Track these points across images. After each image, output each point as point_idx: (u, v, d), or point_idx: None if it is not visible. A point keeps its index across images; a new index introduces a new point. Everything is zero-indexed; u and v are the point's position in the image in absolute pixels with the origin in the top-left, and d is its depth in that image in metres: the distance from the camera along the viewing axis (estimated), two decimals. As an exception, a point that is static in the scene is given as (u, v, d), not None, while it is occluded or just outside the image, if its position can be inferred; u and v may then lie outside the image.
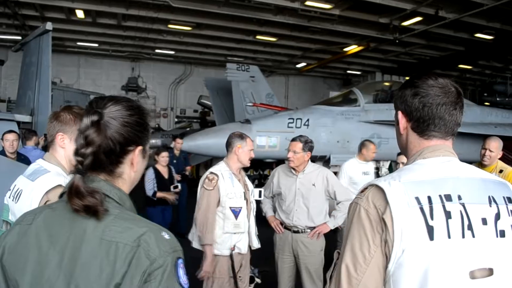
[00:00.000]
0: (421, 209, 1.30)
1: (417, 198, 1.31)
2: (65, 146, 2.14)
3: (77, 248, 1.13)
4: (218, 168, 4.04)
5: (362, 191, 1.42)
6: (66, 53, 20.91)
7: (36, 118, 7.73)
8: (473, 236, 1.31)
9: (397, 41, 15.58)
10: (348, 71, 23.79)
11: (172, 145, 7.88)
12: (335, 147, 9.33)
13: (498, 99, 20.86)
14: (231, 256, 3.90)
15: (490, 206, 1.36)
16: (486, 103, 19.13)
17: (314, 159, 9.55)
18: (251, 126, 8.99)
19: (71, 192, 1.17)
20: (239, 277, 4.00)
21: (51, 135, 2.16)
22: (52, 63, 19.85)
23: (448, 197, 1.33)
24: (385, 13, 13.75)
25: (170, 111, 24.24)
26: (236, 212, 3.90)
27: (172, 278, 1.12)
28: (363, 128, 9.41)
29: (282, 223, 4.44)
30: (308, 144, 4.32)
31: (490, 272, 1.31)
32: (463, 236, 1.30)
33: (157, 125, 22.28)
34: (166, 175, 7.16)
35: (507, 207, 1.39)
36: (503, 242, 1.35)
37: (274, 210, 4.60)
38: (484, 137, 5.15)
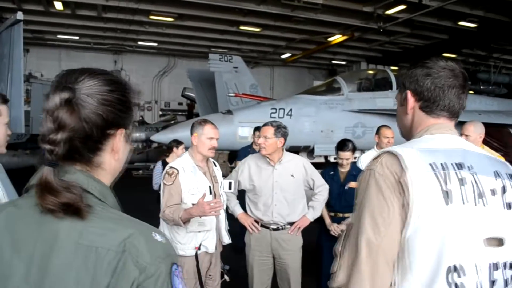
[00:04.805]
0: (436, 175, 1.31)
1: (432, 164, 1.32)
2: None
3: (47, 255, 0.91)
4: (181, 161, 3.69)
5: (375, 159, 1.42)
6: (46, 46, 20.58)
7: (9, 111, 7.43)
8: (484, 204, 1.33)
9: (381, 30, 15.49)
10: (333, 61, 23.68)
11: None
12: (319, 137, 9.23)
13: (482, 87, 20.98)
14: (196, 256, 3.57)
15: (496, 179, 1.39)
16: (470, 92, 19.19)
17: (298, 150, 9.46)
18: (233, 117, 8.85)
19: (42, 189, 0.94)
20: (209, 275, 3.72)
21: None
22: (32, 56, 19.83)
23: (460, 166, 1.35)
24: (369, 2, 13.66)
25: (154, 104, 24.00)
26: None
27: None
28: (347, 117, 9.33)
29: (257, 221, 4.01)
30: (281, 129, 3.88)
31: (500, 242, 1.32)
32: (476, 203, 1.31)
33: (141, 118, 22.06)
34: None
35: (510, 183, 1.41)
36: (510, 214, 1.36)
37: (243, 207, 4.17)
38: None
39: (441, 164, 1.32)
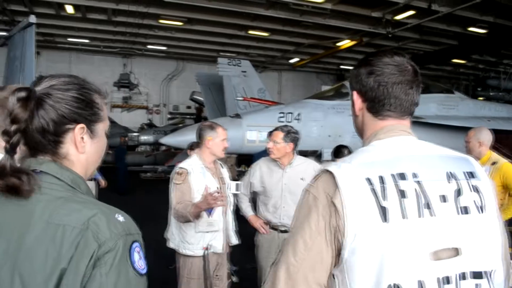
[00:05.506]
0: (373, 190, 1.21)
1: (368, 179, 1.22)
2: None
3: (23, 233, 1.04)
4: (190, 162, 3.76)
5: (314, 178, 1.33)
6: (57, 49, 20.83)
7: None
8: (432, 215, 1.22)
9: (390, 35, 15.48)
10: (342, 66, 23.69)
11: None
12: (327, 142, 9.23)
13: (491, 93, 20.89)
14: (204, 256, 3.62)
15: (449, 182, 1.27)
16: (480, 98, 19.10)
17: (305, 154, 9.47)
18: (241, 121, 8.89)
19: None
20: (217, 275, 3.76)
21: None
22: (43, 59, 19.99)
23: (402, 176, 1.24)
24: (378, 7, 13.66)
25: (163, 107, 24.13)
26: (209, 210, 3.52)
27: (124, 262, 1.03)
28: (355, 122, 9.30)
29: (266, 223, 4.10)
30: (290, 135, 3.97)
31: (456, 252, 1.22)
32: (420, 216, 1.21)
33: (149, 121, 22.18)
34: None
35: (468, 182, 1.29)
36: (467, 220, 1.25)
37: (254, 209, 4.26)
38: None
39: (380, 177, 1.22)
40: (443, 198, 1.25)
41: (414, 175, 1.25)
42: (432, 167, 1.29)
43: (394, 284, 1.16)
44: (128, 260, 1.04)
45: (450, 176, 1.29)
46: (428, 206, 1.22)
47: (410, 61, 1.41)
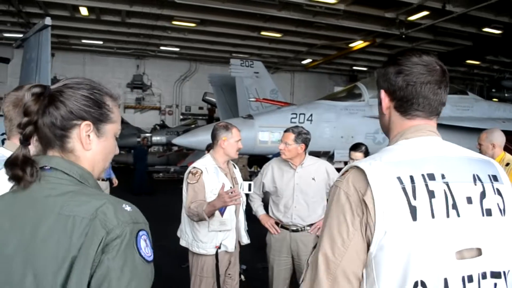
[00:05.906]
0: (404, 189, 1.24)
1: (399, 178, 1.25)
2: None
3: (36, 225, 1.10)
4: (203, 162, 3.79)
5: (343, 174, 1.35)
6: (71, 51, 21.03)
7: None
8: (458, 215, 1.25)
9: (403, 36, 15.38)
10: (354, 67, 23.61)
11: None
12: (339, 143, 9.20)
13: (506, 95, 20.64)
14: (216, 255, 3.65)
15: (475, 184, 1.30)
16: (495, 99, 18.87)
17: (318, 155, 9.44)
18: (254, 122, 8.89)
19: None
20: (229, 274, 3.80)
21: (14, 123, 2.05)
22: (57, 60, 20.24)
23: (431, 176, 1.27)
24: (391, 8, 13.57)
25: (175, 108, 24.25)
26: (221, 209, 3.55)
27: (131, 248, 1.08)
28: (368, 123, 9.26)
29: (277, 223, 4.12)
30: (301, 136, 3.98)
31: (479, 252, 1.26)
32: (448, 216, 1.24)
33: (162, 122, 22.32)
34: None
35: (492, 185, 1.33)
36: (489, 222, 1.29)
37: (265, 208, 4.29)
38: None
39: (410, 177, 1.25)
40: (469, 200, 1.28)
41: (443, 176, 1.28)
42: (459, 168, 1.32)
43: (420, 281, 1.20)
44: (135, 246, 1.08)
45: (476, 178, 1.32)
46: (454, 207, 1.26)
47: (438, 61, 1.42)
